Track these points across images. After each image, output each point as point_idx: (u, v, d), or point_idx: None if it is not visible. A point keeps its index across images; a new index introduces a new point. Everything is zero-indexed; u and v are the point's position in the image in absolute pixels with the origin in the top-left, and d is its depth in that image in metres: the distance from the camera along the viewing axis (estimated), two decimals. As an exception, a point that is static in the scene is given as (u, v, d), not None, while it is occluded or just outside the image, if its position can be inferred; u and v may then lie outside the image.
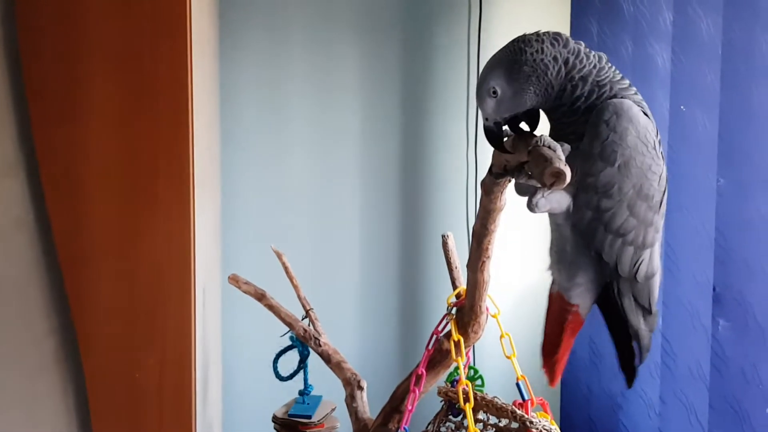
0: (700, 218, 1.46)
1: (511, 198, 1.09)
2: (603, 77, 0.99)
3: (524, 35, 1.02)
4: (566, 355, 1.17)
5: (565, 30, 2.36)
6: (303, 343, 1.63)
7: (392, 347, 2.46)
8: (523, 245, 2.43)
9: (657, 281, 1.06)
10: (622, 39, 1.88)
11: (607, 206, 0.95)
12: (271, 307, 1.63)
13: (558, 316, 1.14)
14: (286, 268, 1.73)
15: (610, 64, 1.02)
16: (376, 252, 2.43)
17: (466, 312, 1.29)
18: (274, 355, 1.71)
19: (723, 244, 1.39)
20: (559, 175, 0.77)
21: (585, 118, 0.98)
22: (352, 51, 2.37)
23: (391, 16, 2.42)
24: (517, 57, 0.98)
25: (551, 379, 1.21)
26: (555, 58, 0.98)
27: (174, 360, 1.45)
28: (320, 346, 1.60)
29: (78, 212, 1.41)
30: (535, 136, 0.91)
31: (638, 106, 0.99)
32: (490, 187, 1.04)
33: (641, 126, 0.94)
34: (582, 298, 1.10)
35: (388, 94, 2.43)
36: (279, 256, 1.74)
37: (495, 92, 1.01)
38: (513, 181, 1.02)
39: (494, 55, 1.02)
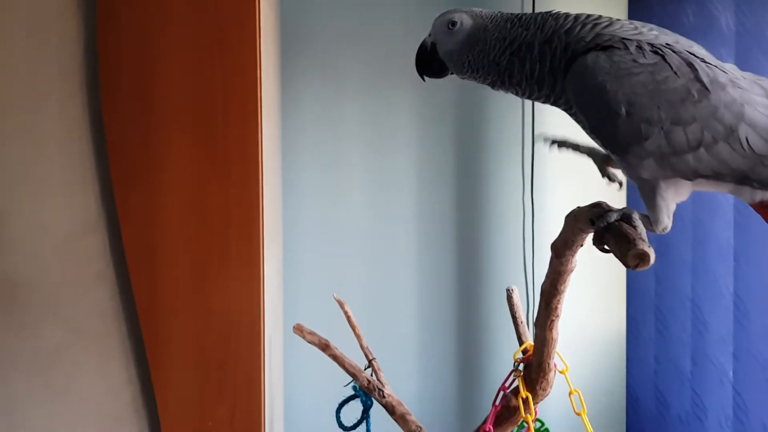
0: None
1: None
2: (555, 32, 0.92)
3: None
4: None
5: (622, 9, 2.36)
6: (366, 393, 1.65)
7: (450, 394, 2.45)
8: (591, 297, 2.41)
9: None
10: (682, 4, 1.86)
11: (654, 144, 0.84)
12: (335, 358, 1.66)
13: None
14: (348, 318, 1.76)
15: (584, 16, 0.94)
16: (433, 297, 2.45)
17: (534, 369, 1.29)
18: (336, 405, 1.73)
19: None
20: (643, 257, 0.76)
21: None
22: (407, 98, 2.43)
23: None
24: (484, 23, 0.99)
25: None
26: (503, 38, 0.97)
27: (244, 408, 1.50)
28: (384, 397, 1.62)
29: (155, 268, 1.48)
30: (609, 209, 0.89)
31: (619, 43, 0.88)
32: (561, 251, 1.05)
33: (610, 64, 0.86)
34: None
35: (443, 139, 2.47)
36: (341, 305, 1.77)
37: (454, 24, 1.01)
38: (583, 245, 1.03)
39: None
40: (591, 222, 0.86)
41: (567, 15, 0.95)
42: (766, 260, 1.50)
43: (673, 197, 0.87)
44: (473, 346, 2.48)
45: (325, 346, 1.66)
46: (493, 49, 0.98)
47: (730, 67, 0.90)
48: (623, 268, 2.50)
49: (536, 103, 2.50)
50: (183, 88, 1.47)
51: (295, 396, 2.17)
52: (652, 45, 0.89)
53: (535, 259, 2.46)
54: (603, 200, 0.94)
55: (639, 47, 0.89)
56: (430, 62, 1.06)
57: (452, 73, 1.06)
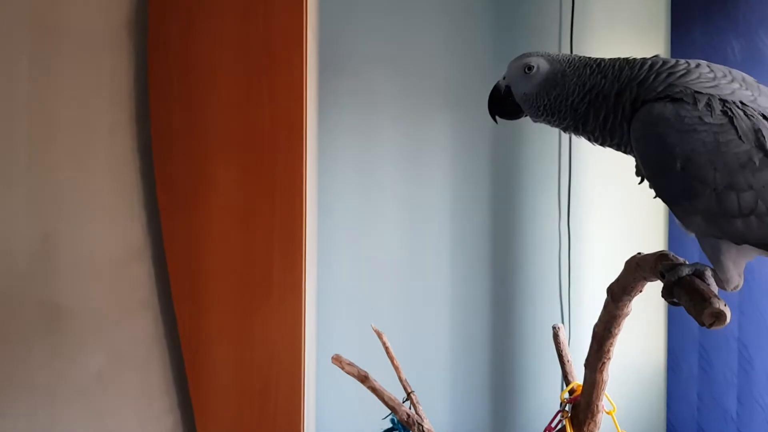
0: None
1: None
2: (629, 83, 0.93)
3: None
4: None
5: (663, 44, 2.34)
6: (405, 427, 1.63)
7: (483, 427, 2.42)
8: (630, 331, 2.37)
9: None
10: (728, 37, 1.84)
11: (703, 204, 0.83)
12: (375, 390, 1.64)
13: None
14: (387, 349, 1.75)
15: (662, 62, 0.94)
16: (468, 327, 2.42)
17: (582, 410, 1.27)
18: (372, 437, 1.71)
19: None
20: (719, 316, 0.73)
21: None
22: (442, 123, 2.43)
23: (480, 88, 2.46)
24: (562, 68, 0.99)
25: None
26: (583, 84, 0.97)
27: (283, 438, 1.49)
28: (423, 431, 1.60)
29: (199, 295, 1.49)
30: (679, 262, 0.88)
31: (691, 96, 0.87)
32: (618, 295, 1.04)
33: (675, 116, 0.85)
34: None
35: (478, 166, 2.46)
36: (379, 335, 1.76)
37: (531, 68, 1.01)
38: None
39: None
40: (660, 274, 0.85)
41: (643, 62, 0.95)
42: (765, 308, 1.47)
43: (737, 258, 0.86)
44: (508, 378, 2.45)
45: (364, 378, 1.65)
46: (572, 95, 0.98)
47: None
48: (663, 301, 2.47)
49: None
50: (231, 115, 1.48)
51: (327, 427, 2.15)
52: (724, 102, 0.88)
53: (571, 290, 2.43)
54: (668, 251, 0.92)
55: (708, 105, 0.88)
56: (503, 104, 1.07)
57: (526, 116, 1.06)
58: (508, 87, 1.06)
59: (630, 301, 1.05)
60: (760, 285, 1.69)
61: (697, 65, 0.93)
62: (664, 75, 0.91)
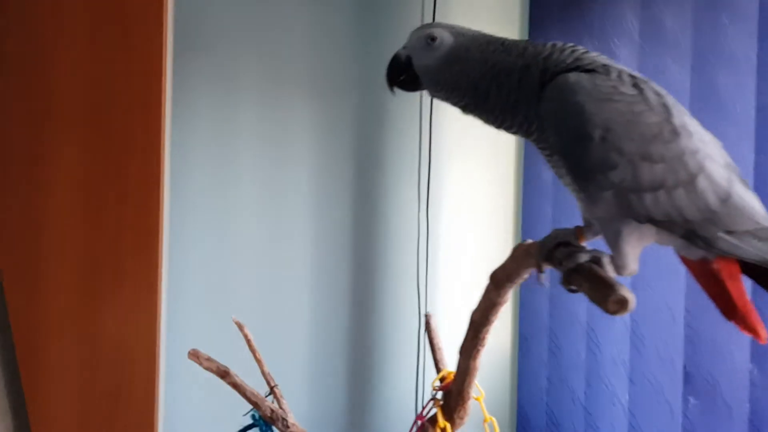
0: (671, 297, 1.52)
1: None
2: (534, 58, 0.90)
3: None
4: (745, 300, 0.95)
5: None
6: (267, 423, 1.55)
7: (341, 414, 2.39)
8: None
9: (742, 197, 0.87)
10: (583, 40, 1.93)
11: (619, 176, 0.81)
12: (236, 386, 1.55)
13: (703, 276, 0.95)
14: (248, 341, 1.66)
15: (552, 44, 0.92)
16: (328, 317, 2.37)
17: (454, 397, 1.27)
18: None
19: (692, 323, 1.45)
20: (623, 302, 0.73)
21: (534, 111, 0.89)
22: (305, 113, 2.35)
23: (343, 76, 2.42)
24: (466, 43, 0.95)
25: (758, 336, 0.97)
26: (485, 60, 0.94)
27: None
28: (288, 427, 1.53)
29: (35, 284, 1.31)
30: (577, 248, 0.86)
31: (592, 70, 0.87)
32: (501, 282, 1.03)
33: (591, 85, 0.84)
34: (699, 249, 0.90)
35: (341, 156, 2.41)
36: (241, 327, 1.66)
37: (434, 39, 0.96)
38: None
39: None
40: (558, 262, 0.84)
41: (545, 43, 0.93)
42: (661, 286, 1.59)
43: (637, 243, 0.86)
44: (367, 368, 2.43)
45: (224, 373, 1.55)
46: (473, 71, 0.93)
47: (695, 122, 0.91)
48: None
49: (434, 123, 2.50)
50: (78, 88, 1.31)
51: (177, 424, 2.01)
52: (632, 77, 0.88)
53: (428, 279, 2.46)
54: (556, 230, 0.91)
55: (619, 76, 0.88)
56: (401, 75, 1.00)
57: (423, 89, 1.00)
58: (408, 57, 0.99)
59: (511, 288, 1.05)
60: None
61: (593, 52, 0.93)
62: (568, 51, 0.90)
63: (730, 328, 1.40)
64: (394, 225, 2.48)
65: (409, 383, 2.41)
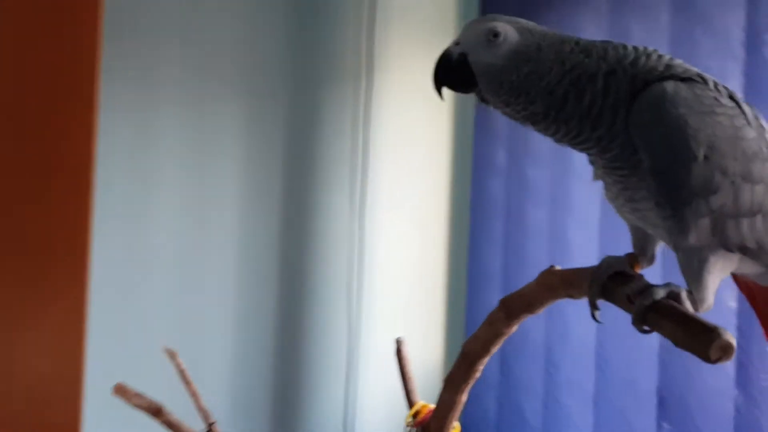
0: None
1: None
2: (619, 63, 0.79)
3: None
4: None
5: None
6: (209, 465, 1.36)
7: (266, 418, 2.21)
8: (419, 333, 2.34)
9: None
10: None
11: (720, 201, 0.73)
12: (171, 425, 1.35)
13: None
14: (182, 372, 1.46)
15: (645, 49, 0.81)
16: (252, 327, 2.19)
17: (433, 434, 1.14)
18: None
19: (667, 346, 1.41)
20: (727, 349, 0.62)
21: (619, 121, 0.77)
22: (232, 112, 2.16)
23: (275, 77, 2.25)
24: (536, 41, 0.82)
25: None
26: (562, 62, 0.81)
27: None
28: (233, 469, 1.34)
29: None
30: (647, 283, 0.75)
31: (688, 80, 0.77)
32: (517, 313, 0.92)
33: (692, 96, 0.74)
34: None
35: (270, 159, 2.24)
36: (173, 356, 1.46)
37: (497, 35, 0.81)
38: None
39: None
40: (626, 297, 0.73)
41: (625, 45, 0.81)
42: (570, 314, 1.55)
43: (719, 274, 0.77)
44: (294, 384, 2.26)
45: (157, 411, 1.34)
46: (548, 73, 0.79)
47: None
48: (442, 297, 2.51)
49: (370, 126, 2.37)
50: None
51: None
52: (725, 87, 0.79)
53: (364, 292, 2.33)
54: (608, 258, 0.81)
55: (716, 86, 0.78)
56: (453, 74, 0.83)
57: (477, 92, 0.84)
58: (463, 54, 0.83)
59: (524, 318, 0.94)
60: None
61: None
62: (655, 56, 0.79)
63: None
64: (325, 232, 2.34)
65: (335, 404, 2.27)
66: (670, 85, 0.74)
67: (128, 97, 1.93)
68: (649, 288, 0.72)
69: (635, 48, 0.79)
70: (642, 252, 0.82)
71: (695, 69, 0.76)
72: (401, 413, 2.41)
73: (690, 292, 0.73)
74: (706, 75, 0.77)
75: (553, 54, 0.80)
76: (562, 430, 1.68)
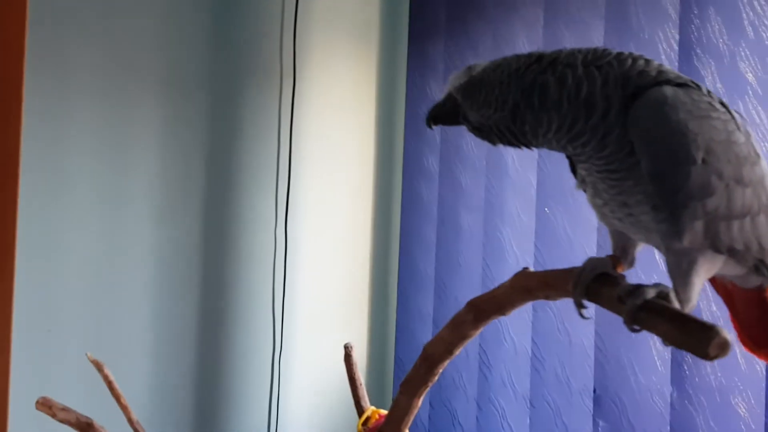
0: (578, 319, 1.52)
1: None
2: (602, 57, 0.79)
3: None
4: None
5: (399, 93, 2.35)
6: (143, 482, 1.28)
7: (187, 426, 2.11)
8: (342, 333, 2.31)
9: None
10: (465, 55, 1.90)
11: (715, 204, 0.74)
12: (102, 440, 1.26)
13: (749, 304, 0.88)
14: (110, 383, 1.37)
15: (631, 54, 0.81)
16: (173, 334, 2.09)
17: (387, 439, 1.13)
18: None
19: (601, 346, 1.46)
20: (725, 346, 0.63)
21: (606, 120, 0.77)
22: (150, 110, 2.06)
23: (196, 75, 2.17)
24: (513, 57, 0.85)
25: None
26: (529, 55, 0.83)
27: None
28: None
29: None
30: (638, 284, 0.75)
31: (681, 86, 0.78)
32: (488, 314, 0.92)
33: (690, 101, 0.75)
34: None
35: (190, 162, 2.15)
36: (99, 367, 1.37)
37: (471, 67, 0.86)
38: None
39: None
40: (618, 298, 0.74)
41: (604, 48, 0.81)
42: (565, 307, 1.58)
43: (705, 275, 0.79)
44: (215, 378, 2.18)
45: (86, 426, 1.25)
46: (516, 62, 0.81)
47: None
48: (370, 305, 2.50)
49: (297, 132, 2.33)
50: None
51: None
52: (714, 94, 0.81)
53: (285, 300, 2.28)
54: (592, 259, 0.81)
55: (709, 92, 0.80)
56: (442, 109, 0.88)
57: (466, 122, 0.86)
58: (449, 93, 0.87)
59: (492, 319, 0.94)
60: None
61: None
62: (643, 60, 0.79)
63: (639, 349, 1.45)
64: (249, 234, 2.27)
65: (261, 402, 2.23)
66: (669, 90, 0.76)
67: (42, 92, 1.80)
68: (639, 288, 0.73)
69: (619, 52, 0.80)
70: (623, 255, 0.84)
71: (685, 76, 0.79)
72: (326, 416, 2.40)
73: (677, 292, 0.76)
74: (697, 82, 0.80)
75: (521, 57, 0.82)
76: (496, 431, 1.70)
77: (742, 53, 1.27)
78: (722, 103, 0.80)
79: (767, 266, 0.80)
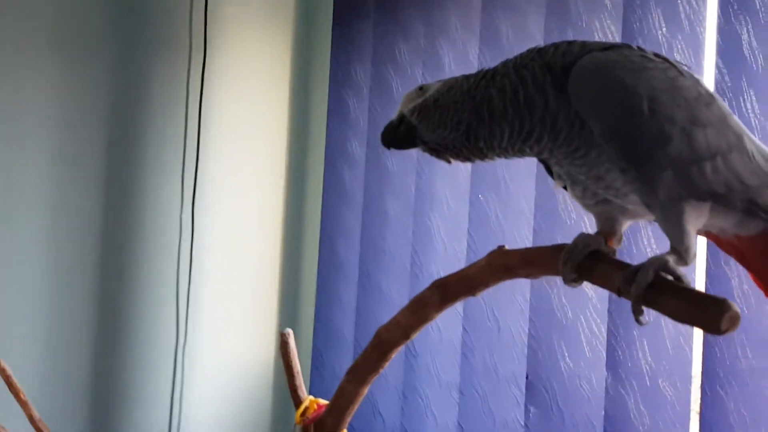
0: (510, 306, 1.52)
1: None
2: (525, 58, 0.84)
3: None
4: None
5: (322, 75, 2.27)
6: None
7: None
8: (251, 325, 2.21)
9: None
10: (395, 39, 1.88)
11: (676, 149, 0.75)
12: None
13: (758, 253, 0.87)
14: (7, 378, 1.22)
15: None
16: (69, 328, 1.92)
17: (329, 430, 1.07)
18: None
19: (534, 333, 1.46)
20: (735, 320, 0.62)
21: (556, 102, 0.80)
22: (43, 81, 1.88)
23: (96, 42, 2.00)
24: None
25: None
26: (476, 74, 0.88)
27: None
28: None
29: None
30: (636, 266, 0.73)
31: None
32: (456, 295, 0.88)
33: (622, 58, 0.78)
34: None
35: (87, 140, 1.98)
36: (2, 370, 1.22)
37: (422, 88, 0.90)
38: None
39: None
40: (617, 291, 0.70)
41: (531, 48, 0.85)
42: (496, 296, 1.57)
43: (696, 221, 0.78)
44: (112, 374, 2.02)
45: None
46: (467, 82, 0.85)
47: None
48: (278, 295, 2.40)
49: (204, 105, 2.19)
50: None
51: None
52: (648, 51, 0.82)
53: (191, 285, 2.15)
54: (584, 236, 0.79)
55: (639, 48, 0.81)
56: (396, 133, 0.91)
57: (422, 144, 0.90)
58: (401, 115, 0.90)
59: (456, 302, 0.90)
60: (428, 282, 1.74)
61: None
62: (565, 44, 0.82)
63: (570, 335, 1.46)
64: (152, 220, 2.13)
65: (163, 396, 2.11)
66: (597, 54, 0.78)
67: None
68: (636, 273, 0.71)
69: (539, 47, 0.84)
70: (611, 229, 0.83)
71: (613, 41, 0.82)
72: (236, 412, 2.28)
73: (674, 252, 0.75)
74: (627, 43, 0.85)
75: (466, 77, 0.87)
76: (421, 421, 1.68)
77: (678, 46, 1.31)
78: (658, 55, 0.82)
79: (760, 206, 0.80)
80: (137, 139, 2.08)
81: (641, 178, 0.77)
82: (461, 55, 1.70)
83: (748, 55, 1.22)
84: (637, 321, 0.71)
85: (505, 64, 0.84)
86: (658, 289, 0.68)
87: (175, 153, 2.16)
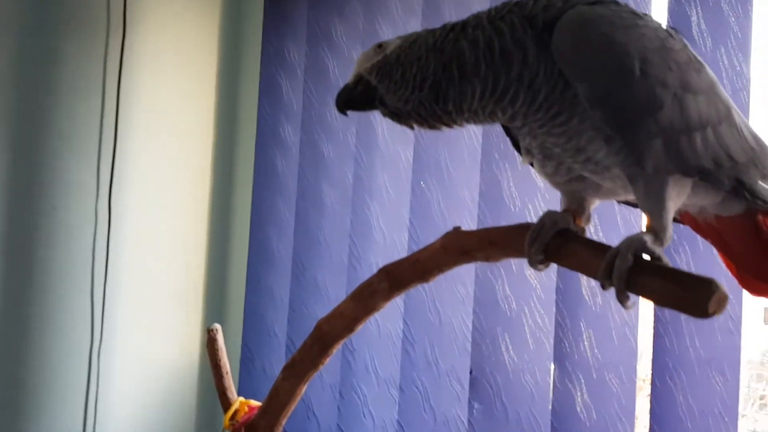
0: (452, 299, 1.45)
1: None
2: (500, 11, 0.76)
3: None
4: None
5: (253, 55, 2.14)
6: None
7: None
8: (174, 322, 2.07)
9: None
10: (331, 15, 1.79)
11: (668, 117, 0.68)
12: None
13: (740, 235, 0.82)
14: None
15: None
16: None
17: (263, 433, 0.98)
18: None
19: (479, 326, 1.40)
20: (723, 301, 0.57)
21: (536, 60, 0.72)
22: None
23: (3, 18, 1.84)
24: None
25: None
26: (443, 26, 0.80)
27: None
28: None
29: None
30: (615, 248, 0.67)
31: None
32: (407, 281, 0.79)
33: (611, 13, 0.71)
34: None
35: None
36: None
37: (381, 45, 0.81)
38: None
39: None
40: (601, 285, 0.63)
41: (507, 1, 0.76)
42: (439, 290, 1.50)
43: (677, 199, 0.72)
44: (25, 388, 1.86)
45: None
46: (432, 36, 0.76)
47: None
48: (204, 283, 2.26)
49: (122, 87, 2.04)
50: None
51: None
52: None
53: (107, 281, 2.00)
54: (550, 213, 0.72)
55: (626, 4, 0.74)
56: (352, 93, 0.81)
57: (378, 100, 0.80)
58: (358, 75, 0.80)
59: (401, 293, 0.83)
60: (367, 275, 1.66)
61: None
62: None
63: (515, 328, 1.40)
64: (65, 209, 1.97)
65: (77, 405, 1.96)
66: (584, 8, 0.70)
67: None
68: (613, 260, 0.64)
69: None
70: (579, 207, 0.76)
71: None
72: (156, 417, 2.14)
73: (650, 232, 0.69)
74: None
75: (437, 30, 0.78)
76: (358, 421, 1.59)
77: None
78: (644, 15, 0.75)
79: (745, 185, 0.75)
80: (47, 124, 1.92)
81: (628, 146, 0.70)
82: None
83: (697, 38, 1.19)
84: (624, 307, 0.65)
85: (477, 16, 0.75)
86: (638, 272, 0.62)
87: (89, 138, 2.00)
